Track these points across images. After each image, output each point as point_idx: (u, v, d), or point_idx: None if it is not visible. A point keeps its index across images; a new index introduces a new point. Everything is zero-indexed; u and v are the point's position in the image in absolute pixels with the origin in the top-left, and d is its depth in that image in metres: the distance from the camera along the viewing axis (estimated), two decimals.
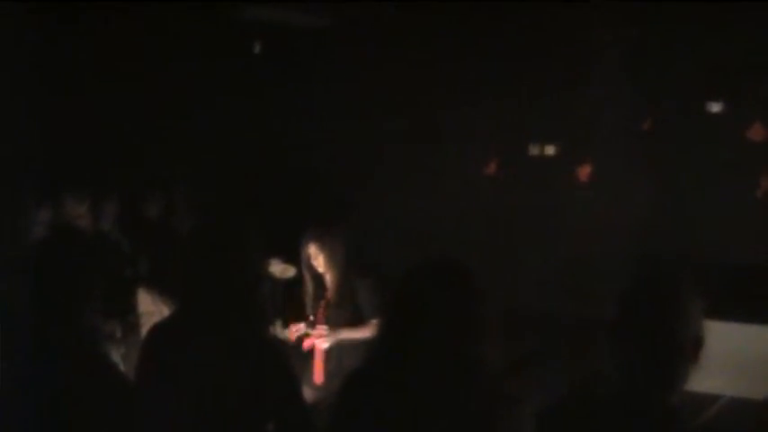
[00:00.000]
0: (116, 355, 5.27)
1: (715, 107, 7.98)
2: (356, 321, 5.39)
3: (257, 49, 9.55)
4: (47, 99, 7.65)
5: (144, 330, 5.02)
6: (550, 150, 9.29)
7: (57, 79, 7.85)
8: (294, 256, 6.99)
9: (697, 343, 2.28)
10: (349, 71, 9.27)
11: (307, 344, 5.55)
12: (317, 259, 5.39)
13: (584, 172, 8.86)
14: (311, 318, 5.61)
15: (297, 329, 5.58)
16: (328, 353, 5.49)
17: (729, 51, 7.65)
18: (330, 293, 5.43)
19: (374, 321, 5.17)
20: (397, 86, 9.07)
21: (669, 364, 2.28)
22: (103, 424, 2.70)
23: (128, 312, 6.10)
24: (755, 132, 7.44)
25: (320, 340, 5.43)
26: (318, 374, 5.50)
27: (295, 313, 6.96)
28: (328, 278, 5.42)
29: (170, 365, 2.85)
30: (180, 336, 2.90)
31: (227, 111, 9.10)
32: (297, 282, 7.07)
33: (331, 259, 5.36)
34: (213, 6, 8.34)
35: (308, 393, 5.11)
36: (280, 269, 6.96)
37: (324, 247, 5.36)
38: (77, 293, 2.85)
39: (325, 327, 5.45)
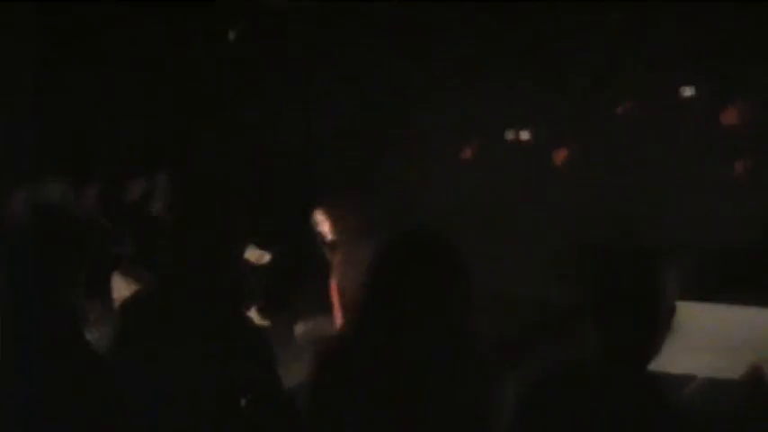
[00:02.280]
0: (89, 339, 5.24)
1: (689, 91, 8.01)
2: None
3: (236, 34, 9.51)
4: (30, 82, 7.61)
5: None
6: (525, 135, 9.30)
7: (41, 63, 7.80)
8: (270, 242, 7.00)
9: (671, 311, 2.36)
10: (325, 56, 9.24)
11: None
12: (324, 226, 5.35)
13: (560, 156, 8.87)
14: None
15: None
16: None
17: (703, 36, 7.69)
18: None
19: None
20: (375, 73, 9.07)
21: (648, 332, 2.35)
22: (80, 401, 2.70)
23: (102, 297, 6.07)
24: (729, 116, 7.47)
25: None
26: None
27: (271, 299, 6.96)
28: (335, 246, 5.38)
29: (144, 341, 2.85)
30: (155, 312, 2.90)
31: (209, 96, 9.05)
32: (272, 268, 7.08)
33: (337, 225, 5.32)
34: None
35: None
36: (256, 255, 6.96)
37: (330, 214, 5.32)
38: (55, 274, 2.84)
39: None
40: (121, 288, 6.22)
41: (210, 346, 2.74)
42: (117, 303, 6.07)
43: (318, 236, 5.39)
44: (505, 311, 6.98)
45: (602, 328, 2.37)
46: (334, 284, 5.42)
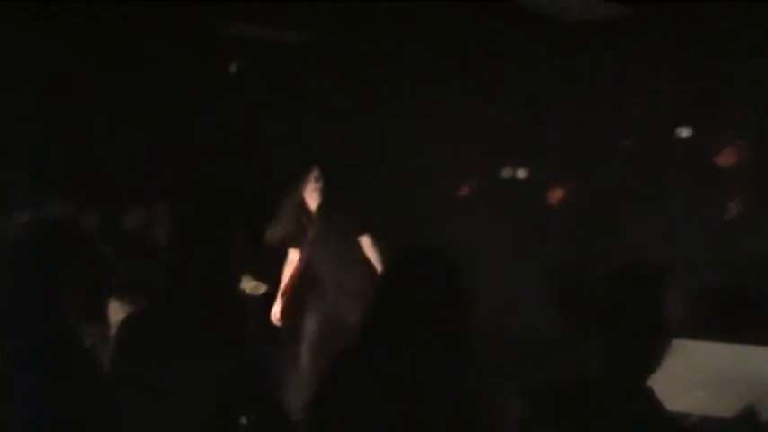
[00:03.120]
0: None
1: (686, 132, 8.09)
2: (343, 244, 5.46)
3: (237, 65, 9.57)
4: (34, 106, 7.65)
5: None
6: (522, 174, 9.36)
7: (46, 86, 7.85)
8: (266, 273, 6.98)
9: (675, 327, 2.38)
10: (326, 89, 9.28)
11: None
12: (318, 182, 5.41)
13: (556, 196, 8.90)
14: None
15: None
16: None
17: (702, 76, 7.77)
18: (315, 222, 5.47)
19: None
20: (375, 106, 9.12)
21: (650, 349, 2.36)
22: (81, 420, 2.70)
23: (99, 320, 6.05)
24: (727, 157, 7.50)
25: None
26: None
27: (267, 330, 6.93)
28: (315, 216, 5.45)
29: (142, 360, 2.86)
30: (152, 331, 2.92)
31: (209, 126, 9.09)
32: (268, 299, 7.06)
33: (326, 194, 5.39)
34: (194, 23, 8.36)
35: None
36: (251, 286, 6.94)
37: (324, 178, 5.39)
38: (54, 292, 2.85)
39: None
40: (118, 313, 6.22)
41: (210, 365, 2.76)
42: (113, 328, 6.07)
43: (301, 201, 5.47)
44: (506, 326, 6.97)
45: (604, 341, 2.39)
46: (297, 254, 5.49)
